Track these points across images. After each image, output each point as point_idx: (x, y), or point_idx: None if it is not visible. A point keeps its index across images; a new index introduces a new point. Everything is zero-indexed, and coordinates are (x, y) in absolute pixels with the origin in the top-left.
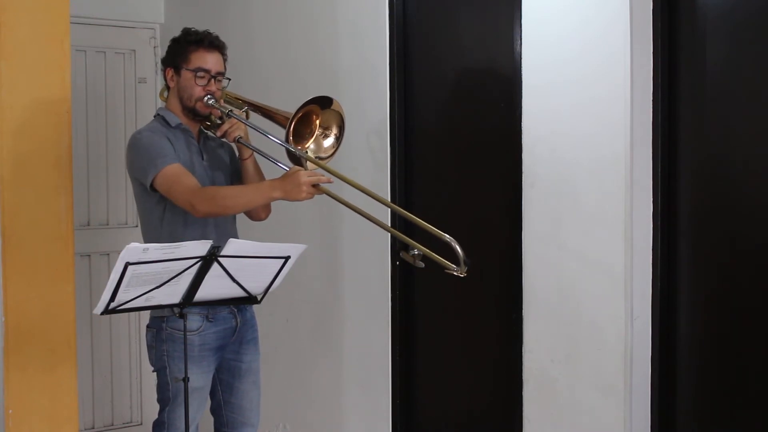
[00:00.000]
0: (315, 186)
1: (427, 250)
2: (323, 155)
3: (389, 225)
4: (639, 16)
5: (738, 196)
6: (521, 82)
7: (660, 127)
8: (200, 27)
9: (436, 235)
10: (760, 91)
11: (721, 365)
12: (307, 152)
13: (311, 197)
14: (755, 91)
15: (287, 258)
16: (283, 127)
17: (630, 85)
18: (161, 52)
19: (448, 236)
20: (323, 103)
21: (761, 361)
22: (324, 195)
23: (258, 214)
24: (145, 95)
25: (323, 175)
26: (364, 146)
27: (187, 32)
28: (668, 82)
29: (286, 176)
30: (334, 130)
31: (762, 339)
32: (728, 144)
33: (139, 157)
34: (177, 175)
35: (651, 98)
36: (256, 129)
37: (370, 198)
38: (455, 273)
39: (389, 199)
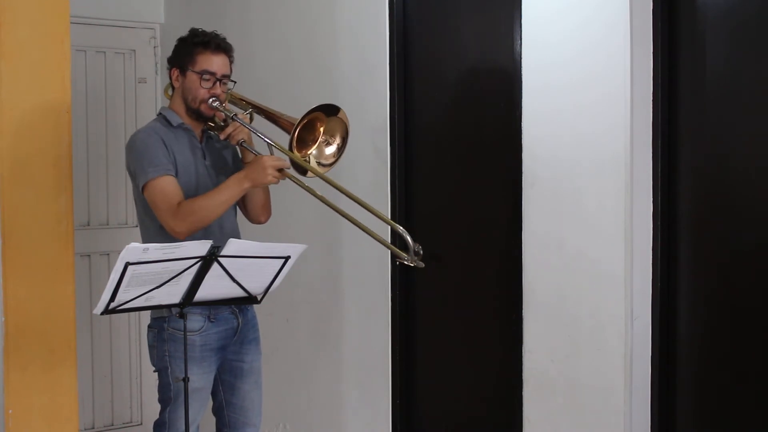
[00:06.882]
0: (280, 171)
1: (385, 240)
2: (324, 162)
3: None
4: (639, 16)
5: (738, 196)
6: (521, 82)
7: (660, 127)
8: (199, 27)
9: (390, 225)
10: (760, 91)
11: (721, 365)
12: (309, 159)
13: (277, 181)
14: (755, 91)
15: (287, 258)
16: (287, 131)
17: (630, 85)
18: (161, 52)
19: (400, 228)
20: (329, 110)
21: (761, 361)
22: (327, 192)
23: (258, 217)
24: (145, 95)
25: (286, 161)
26: (365, 147)
27: (194, 33)
28: (668, 82)
29: (250, 164)
30: (337, 140)
31: (762, 339)
32: (728, 144)
33: (134, 160)
34: (161, 192)
35: (651, 98)
36: (258, 135)
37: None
38: (405, 262)
39: (389, 201)
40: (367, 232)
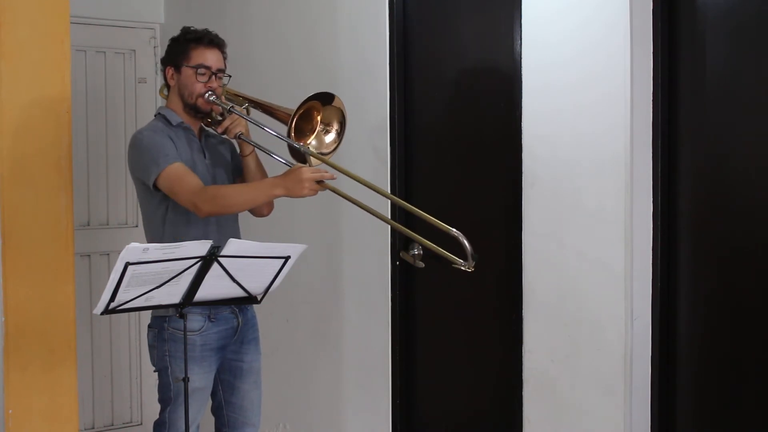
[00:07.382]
0: (319, 182)
1: (433, 245)
2: (325, 151)
3: (390, 219)
4: (639, 16)
5: (738, 196)
6: (521, 82)
7: (660, 127)
8: (200, 27)
9: (442, 229)
10: (760, 91)
11: (721, 365)
12: (309, 148)
13: (314, 194)
14: (755, 91)
15: (287, 258)
16: (284, 123)
17: (630, 85)
18: (161, 52)
19: (455, 230)
20: (324, 99)
21: (761, 361)
22: (325, 193)
23: (260, 210)
24: (145, 95)
25: (327, 172)
26: (364, 147)
27: (186, 31)
28: (668, 82)
29: (288, 173)
30: (335, 126)
31: (762, 339)
32: (728, 144)
33: (142, 156)
34: (179, 174)
35: (651, 98)
36: (257, 125)
37: (373, 194)
38: (463, 268)
39: (389, 201)
40: (423, 244)
